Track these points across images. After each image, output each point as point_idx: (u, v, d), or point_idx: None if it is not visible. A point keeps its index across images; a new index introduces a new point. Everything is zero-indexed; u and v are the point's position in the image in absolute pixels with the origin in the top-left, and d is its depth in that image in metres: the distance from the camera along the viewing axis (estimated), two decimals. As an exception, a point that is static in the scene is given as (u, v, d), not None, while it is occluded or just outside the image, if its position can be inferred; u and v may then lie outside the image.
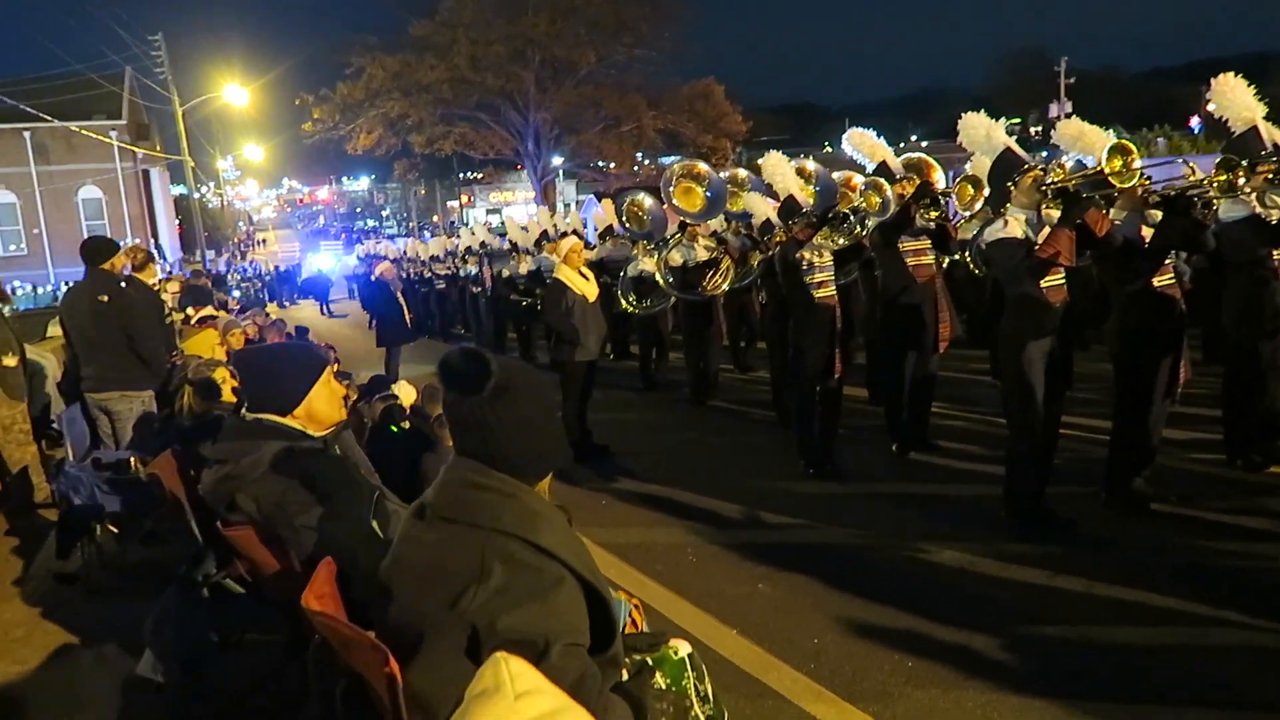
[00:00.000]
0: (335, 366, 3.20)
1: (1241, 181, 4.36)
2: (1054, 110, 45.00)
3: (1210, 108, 5.09)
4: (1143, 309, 4.78)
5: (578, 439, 6.93)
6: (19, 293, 31.65)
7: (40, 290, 35.55)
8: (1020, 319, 4.65)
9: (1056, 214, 4.84)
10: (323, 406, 2.71)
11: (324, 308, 28.46)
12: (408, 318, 10.78)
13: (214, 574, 3.14)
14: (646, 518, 5.62)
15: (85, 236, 6.49)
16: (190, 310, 8.88)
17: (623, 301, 9.26)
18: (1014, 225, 4.59)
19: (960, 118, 5.07)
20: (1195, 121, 41.81)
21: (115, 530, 4.81)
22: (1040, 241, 4.51)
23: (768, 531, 5.21)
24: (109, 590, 4.63)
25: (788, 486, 5.89)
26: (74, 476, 4.85)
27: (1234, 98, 4.86)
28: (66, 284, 30.54)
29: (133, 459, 5.07)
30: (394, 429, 4.59)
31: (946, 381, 7.55)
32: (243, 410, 2.77)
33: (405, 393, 4.85)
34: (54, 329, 10.74)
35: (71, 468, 4.89)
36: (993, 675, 3.42)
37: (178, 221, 49.40)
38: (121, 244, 6.86)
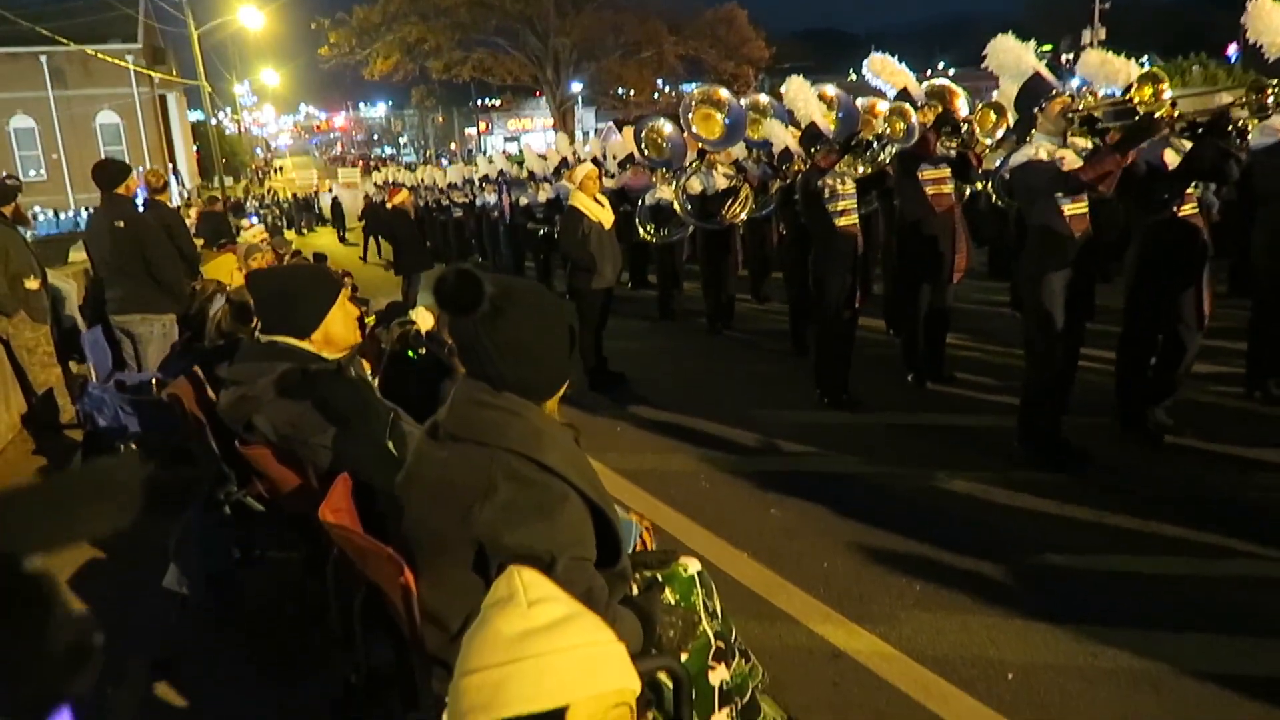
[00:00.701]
0: (348, 288, 3.21)
1: (1271, 101, 4.25)
2: (1087, 37, 43.66)
3: (1248, 34, 4.93)
4: (1164, 238, 4.70)
5: (593, 367, 6.96)
6: (40, 218, 31.78)
7: (62, 216, 35.66)
8: (1042, 249, 4.59)
9: (1083, 143, 4.74)
10: (339, 330, 2.74)
11: (341, 235, 28.46)
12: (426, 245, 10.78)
13: (235, 492, 3.20)
14: (661, 444, 5.67)
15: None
16: (245, 224, 8.98)
17: (640, 230, 9.19)
18: (1040, 153, 4.50)
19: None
20: (1232, 49, 40.47)
21: (136, 449, 4.90)
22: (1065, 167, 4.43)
23: (781, 459, 5.25)
24: (133, 507, 4.73)
25: (803, 416, 5.91)
26: (98, 397, 4.93)
27: (1271, 22, 4.69)
28: (87, 210, 30.58)
29: (155, 381, 5.14)
30: (411, 355, 4.62)
31: (965, 313, 7.51)
32: (257, 333, 2.80)
33: (423, 319, 4.86)
34: (76, 254, 10.80)
35: (95, 389, 4.97)
36: (999, 600, 3.47)
37: (195, 148, 49.19)
38: (138, 170, 6.87)
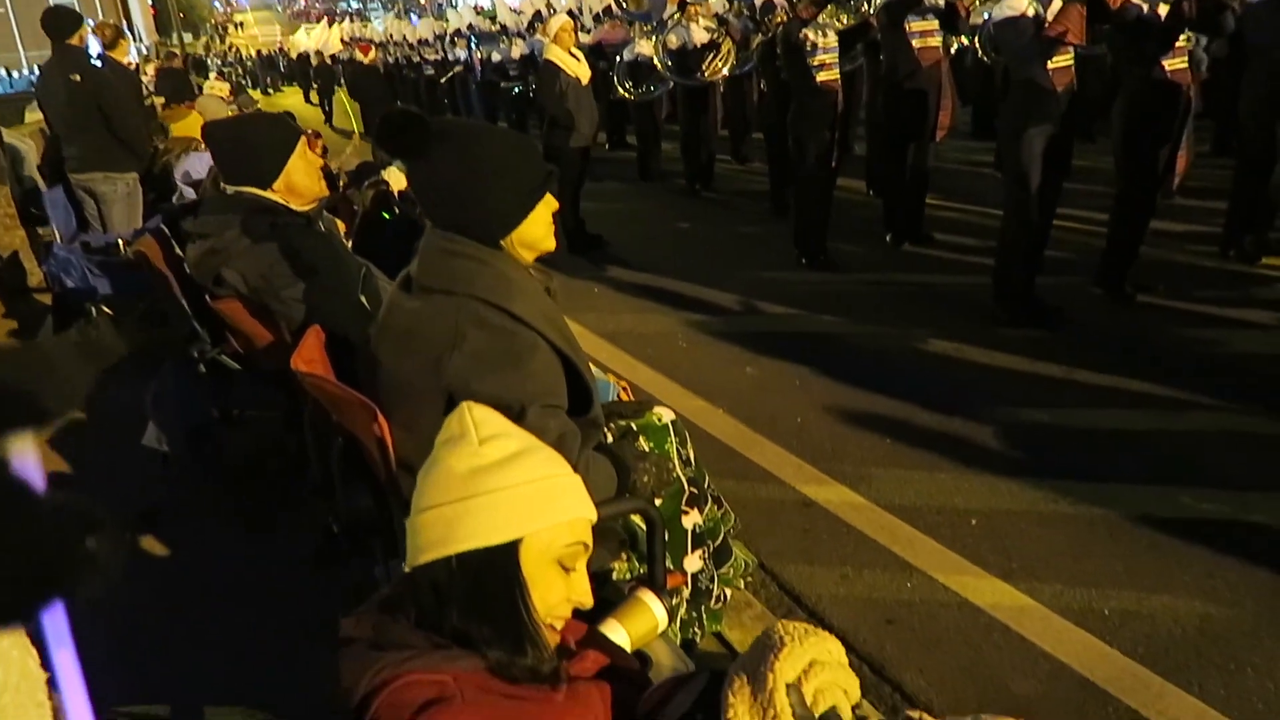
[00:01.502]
0: (319, 143, 3.11)
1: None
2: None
3: None
4: (1150, 92, 4.59)
5: (571, 228, 6.88)
6: (-9, 77, 30.40)
7: (15, 75, 34.07)
8: (1024, 104, 4.50)
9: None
10: (301, 179, 2.66)
11: (307, 95, 27.46)
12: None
13: (209, 351, 3.18)
14: (638, 305, 5.68)
15: (51, 13, 6.12)
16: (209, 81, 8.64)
17: (618, 88, 8.92)
18: (1024, 4, 4.36)
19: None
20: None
21: (110, 312, 4.85)
22: (1050, 19, 4.30)
23: (759, 319, 5.28)
24: (110, 368, 4.72)
25: (781, 276, 5.91)
26: (63, 259, 4.84)
27: None
28: (38, 68, 29.19)
29: (121, 241, 5.04)
30: (385, 215, 4.53)
31: (947, 174, 7.44)
32: (222, 184, 2.72)
33: (395, 179, 4.74)
34: (31, 114, 10.38)
35: (60, 250, 4.88)
36: (967, 454, 3.56)
37: (150, 2, 46.75)
38: (88, 23, 6.51)
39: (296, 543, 2.94)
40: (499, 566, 1.13)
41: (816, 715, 1.10)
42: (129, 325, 4.95)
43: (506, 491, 1.14)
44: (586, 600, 1.22)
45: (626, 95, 8.92)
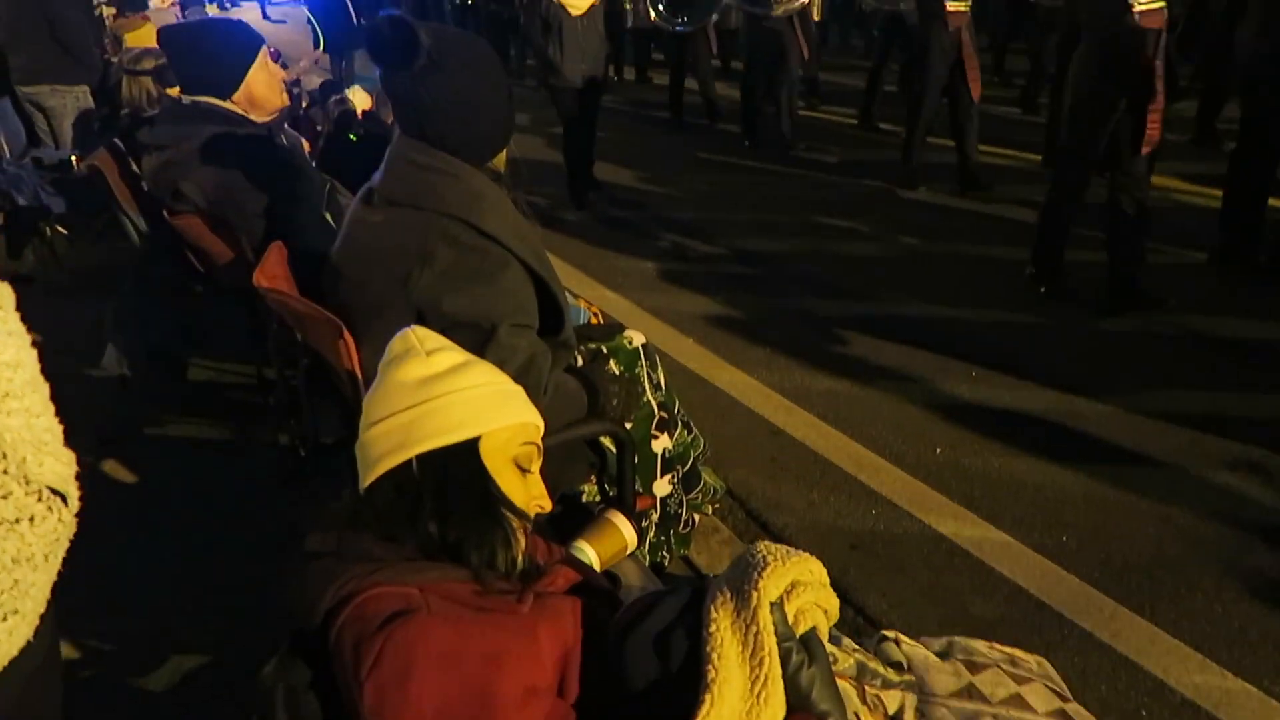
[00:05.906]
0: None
1: None
2: None
3: None
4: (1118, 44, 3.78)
5: (575, 170, 6.07)
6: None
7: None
8: None
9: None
10: (262, 90, 2.56)
11: (264, 10, 26.47)
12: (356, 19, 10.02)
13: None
14: (612, 235, 5.62)
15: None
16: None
17: (651, 12, 7.51)
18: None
19: None
20: None
21: (65, 231, 4.72)
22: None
23: (731, 251, 5.25)
24: (68, 290, 4.61)
25: (770, 219, 5.82)
26: (14, 175, 4.68)
27: None
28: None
29: (74, 159, 4.87)
30: (351, 137, 4.41)
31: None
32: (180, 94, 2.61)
33: (359, 99, 4.62)
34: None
35: (10, 166, 4.71)
36: (934, 386, 3.59)
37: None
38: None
39: (262, 464, 2.91)
40: (463, 462, 1.14)
41: (797, 634, 1.12)
42: (85, 245, 4.84)
43: (461, 393, 1.16)
44: (546, 501, 1.23)
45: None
